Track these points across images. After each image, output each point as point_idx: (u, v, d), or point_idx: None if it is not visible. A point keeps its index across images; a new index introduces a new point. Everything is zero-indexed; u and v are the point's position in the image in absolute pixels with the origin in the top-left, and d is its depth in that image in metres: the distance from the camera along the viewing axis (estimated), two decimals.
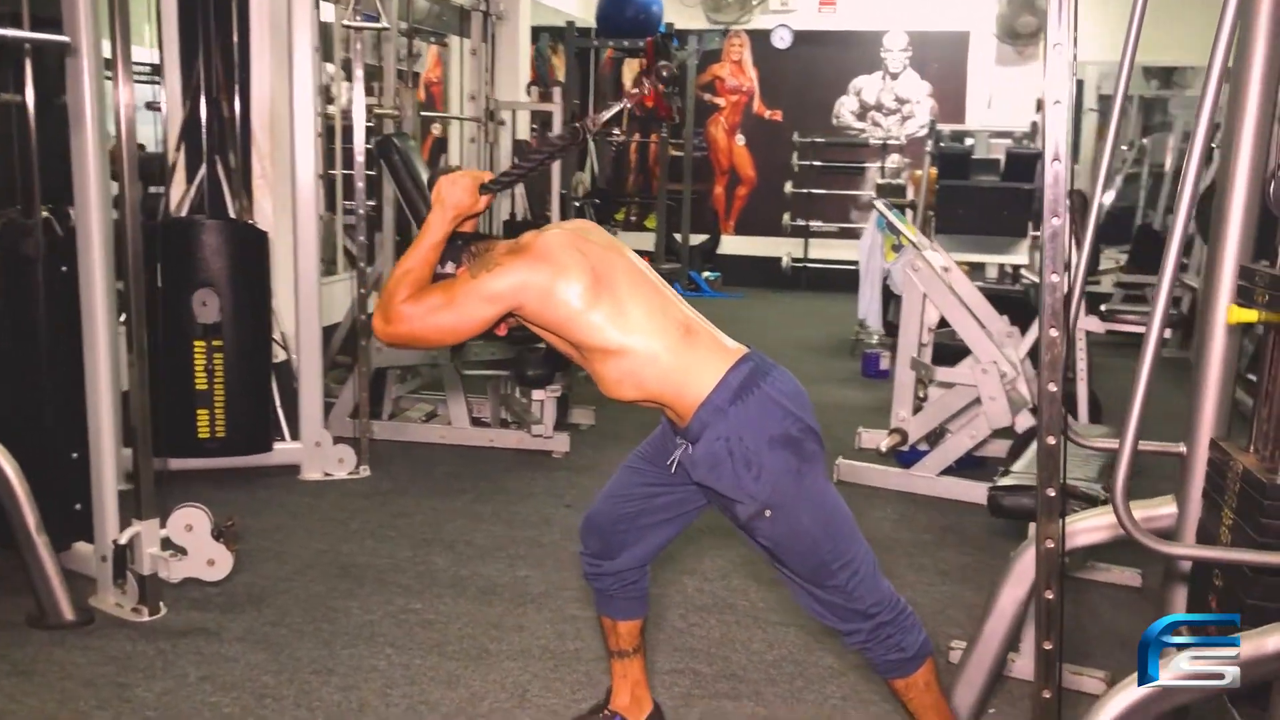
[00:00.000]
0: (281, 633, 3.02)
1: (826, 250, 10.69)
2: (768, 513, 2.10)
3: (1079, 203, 4.50)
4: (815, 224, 10.71)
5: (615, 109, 2.28)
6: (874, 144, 10.43)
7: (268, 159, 4.47)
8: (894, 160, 10.40)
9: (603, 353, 2.11)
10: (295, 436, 4.36)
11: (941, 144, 7.25)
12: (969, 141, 7.61)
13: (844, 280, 10.42)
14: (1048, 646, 2.14)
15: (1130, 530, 1.84)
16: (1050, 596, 2.05)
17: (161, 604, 3.08)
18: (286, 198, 4.41)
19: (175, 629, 3.01)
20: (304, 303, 4.33)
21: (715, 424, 2.08)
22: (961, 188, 6.70)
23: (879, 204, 4.74)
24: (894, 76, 10.36)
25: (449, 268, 2.23)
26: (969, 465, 4.41)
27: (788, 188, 10.69)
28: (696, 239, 10.56)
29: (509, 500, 4.20)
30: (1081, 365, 4.44)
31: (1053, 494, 2.04)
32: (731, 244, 11.01)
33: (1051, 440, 2.02)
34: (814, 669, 2.90)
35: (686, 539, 3.09)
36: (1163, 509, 2.37)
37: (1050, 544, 2.06)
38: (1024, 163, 6.60)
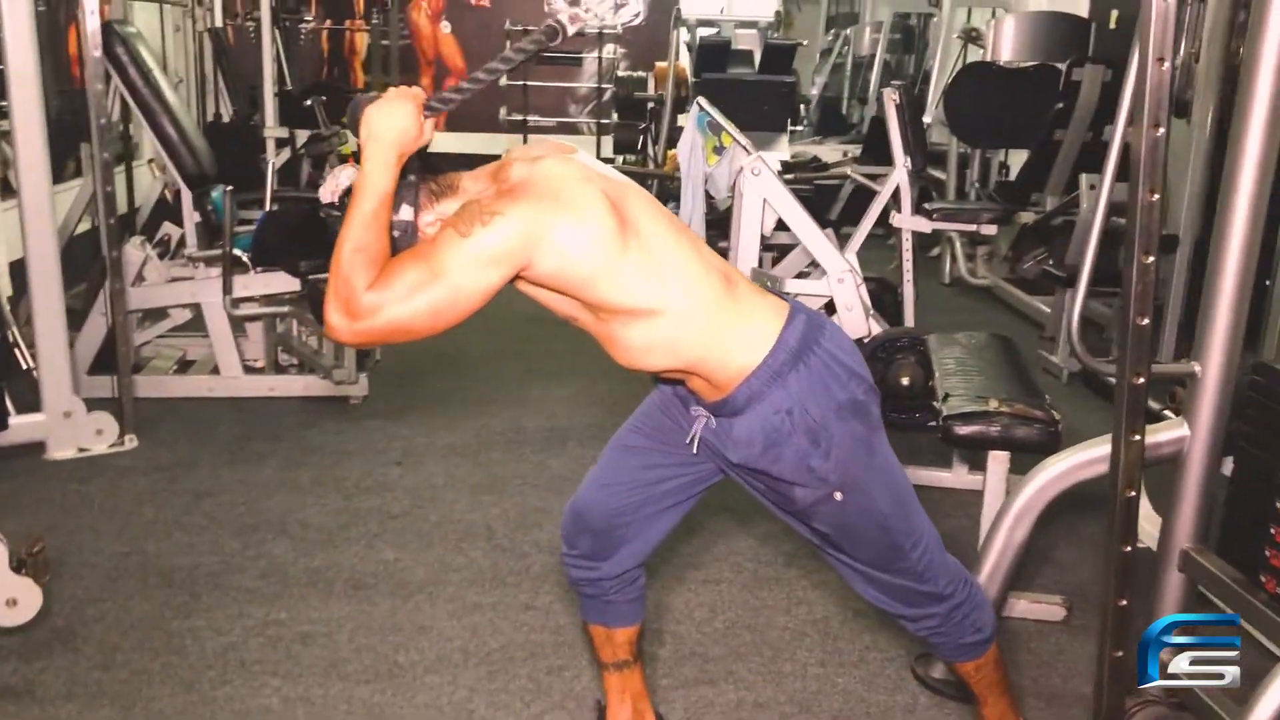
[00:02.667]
0: (120, 678, 2.35)
1: None
2: (838, 495, 1.75)
3: (906, 101, 4.36)
4: (533, 119, 10.20)
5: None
6: (589, 33, 9.99)
7: None
8: (610, 50, 10.04)
9: (630, 314, 1.66)
10: (34, 407, 3.48)
11: (696, 35, 6.95)
12: (711, 31, 7.35)
13: None
14: (1122, 603, 1.97)
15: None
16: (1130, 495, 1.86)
17: None
18: None
19: None
20: (32, 227, 3.42)
21: (771, 394, 1.69)
22: (721, 81, 6.46)
23: (702, 102, 4.37)
24: None
25: (404, 213, 1.68)
26: None
27: (502, 80, 10.06)
28: None
29: (326, 463, 3.58)
30: (907, 265, 4.37)
31: (1140, 381, 1.85)
32: (444, 141, 10.14)
33: (1144, 320, 1.84)
34: (772, 632, 2.62)
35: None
36: (1170, 433, 2.22)
37: (1136, 439, 1.88)
38: (781, 55, 6.44)
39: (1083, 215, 4.99)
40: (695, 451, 1.86)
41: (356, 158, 1.67)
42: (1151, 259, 1.84)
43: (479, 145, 10.16)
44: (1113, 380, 1.98)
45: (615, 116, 9.64)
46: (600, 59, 10.02)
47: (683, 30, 7.15)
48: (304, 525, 3.12)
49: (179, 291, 4.18)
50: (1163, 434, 2.19)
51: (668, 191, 7.35)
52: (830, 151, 8.66)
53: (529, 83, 10.09)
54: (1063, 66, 6.39)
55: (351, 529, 3.11)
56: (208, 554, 2.93)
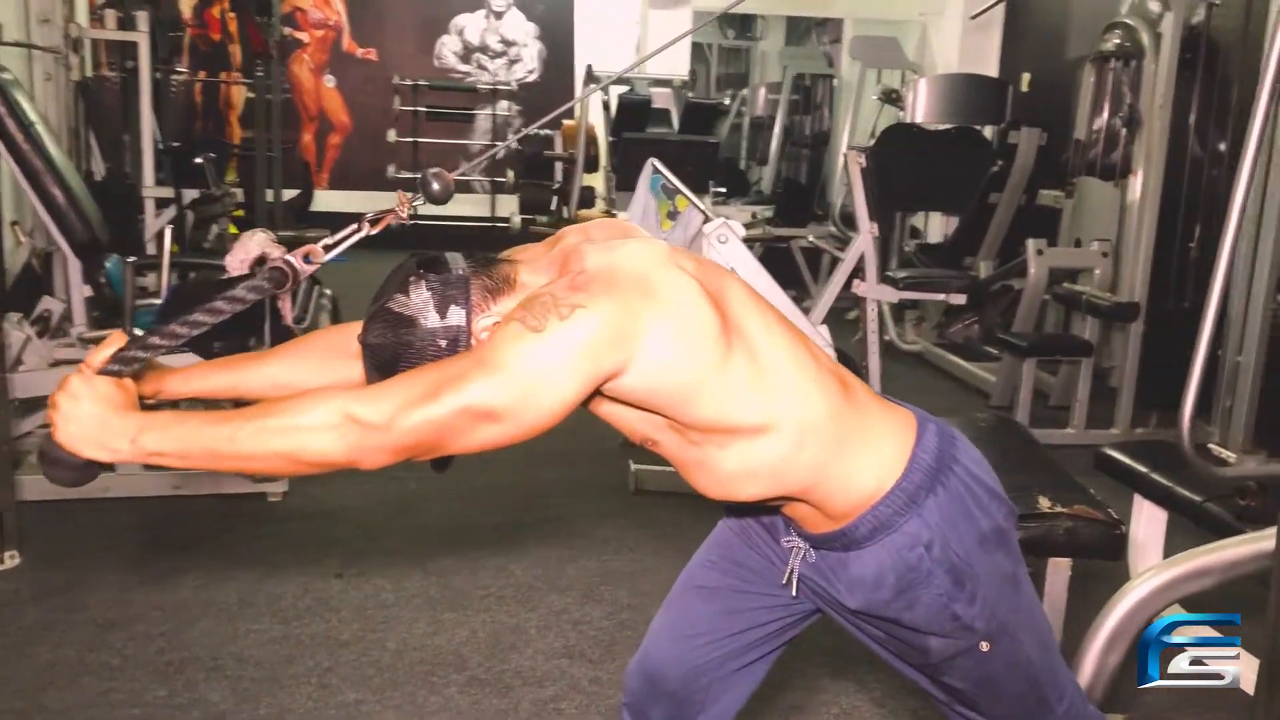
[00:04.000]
0: None
1: (438, 206, 9.78)
2: (984, 645, 1.43)
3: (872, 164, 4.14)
4: None
5: (352, 233, 1.41)
6: (483, 89, 9.66)
7: None
8: (504, 107, 9.72)
9: (731, 433, 1.31)
10: None
11: (618, 93, 6.68)
12: (622, 90, 7.10)
13: (461, 238, 9.67)
14: None
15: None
16: None
17: None
18: None
19: None
20: None
21: (904, 523, 1.37)
22: (643, 140, 6.20)
23: (656, 164, 4.07)
24: (498, 16, 9.64)
25: (453, 316, 1.30)
26: None
27: (391, 135, 9.63)
28: (287, 194, 9.20)
29: (253, 577, 3.09)
30: (873, 336, 4.13)
31: None
32: (327, 199, 9.74)
33: None
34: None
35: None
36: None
37: None
38: (703, 114, 6.23)
39: (1034, 280, 4.87)
40: (795, 594, 1.52)
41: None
42: None
43: (363, 204, 9.69)
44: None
45: (510, 175, 9.34)
46: (494, 116, 9.69)
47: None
48: (240, 660, 2.63)
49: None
50: (1269, 542, 1.95)
51: None
52: (738, 213, 8.46)
53: (419, 139, 9.66)
54: (988, 130, 6.37)
55: (297, 663, 2.64)
56: (126, 705, 2.43)
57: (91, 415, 1.19)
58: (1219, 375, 4.35)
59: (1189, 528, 2.64)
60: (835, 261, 5.10)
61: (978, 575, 1.39)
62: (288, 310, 3.44)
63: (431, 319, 1.30)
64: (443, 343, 1.30)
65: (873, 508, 1.37)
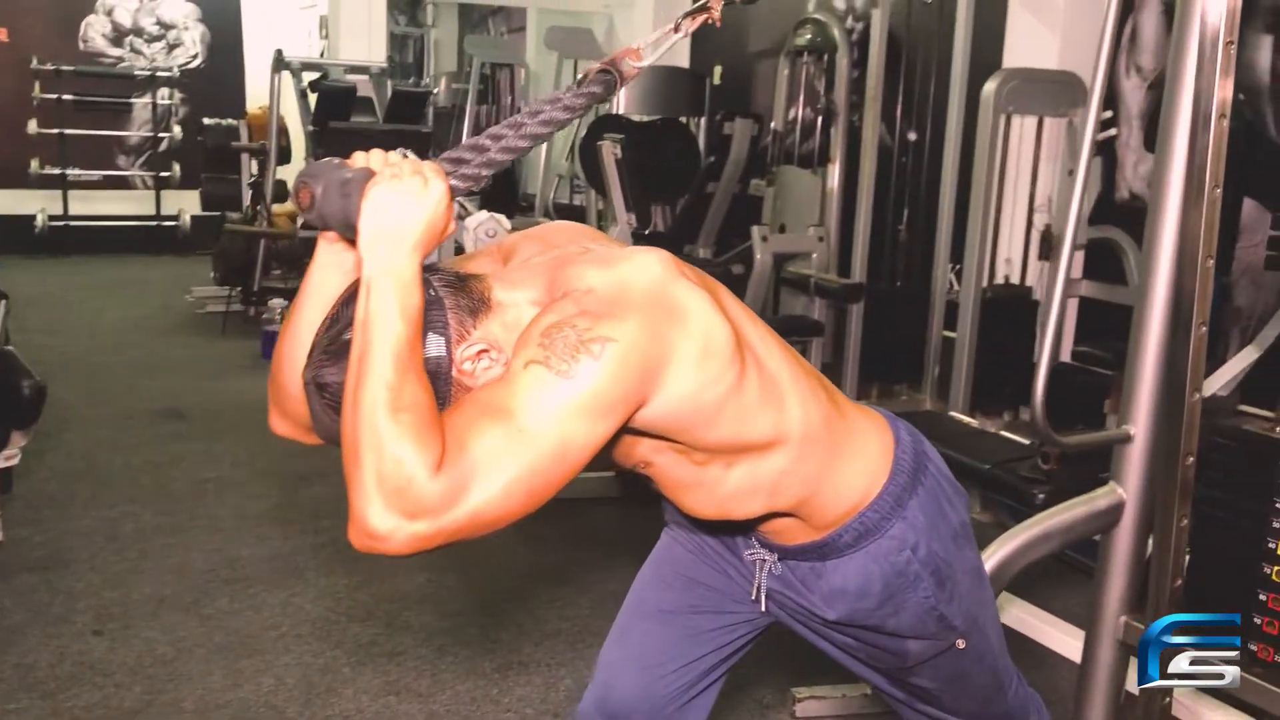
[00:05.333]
0: None
1: (93, 204, 8.84)
2: (961, 643, 1.45)
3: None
4: (74, 172, 8.74)
5: (666, 36, 1.36)
6: (140, 75, 8.80)
7: None
8: (165, 95, 8.91)
9: (739, 452, 1.25)
10: None
11: (319, 80, 6.26)
12: (312, 76, 6.68)
13: (122, 240, 8.82)
14: None
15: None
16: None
17: None
18: None
19: None
20: None
21: (890, 527, 1.36)
22: (349, 130, 5.86)
23: (408, 154, 3.83)
24: None
25: (431, 346, 1.14)
26: None
27: (32, 127, 8.55)
28: None
29: None
30: None
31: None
32: None
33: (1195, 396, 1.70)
34: None
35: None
36: (1108, 500, 2.15)
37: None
38: (411, 102, 5.98)
39: (761, 266, 5.06)
40: (764, 609, 1.46)
41: None
42: (1205, 329, 1.73)
43: (6, 205, 8.62)
44: None
45: (177, 169, 8.62)
46: (155, 105, 8.86)
47: (285, 75, 6.43)
48: None
49: None
50: (1102, 501, 2.11)
51: (281, 253, 6.61)
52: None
53: (66, 131, 8.65)
54: (692, 120, 6.55)
55: None
56: None
57: (418, 219, 1.07)
58: (927, 349, 4.75)
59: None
60: None
61: (955, 573, 1.40)
62: None
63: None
64: None
65: (860, 514, 1.34)
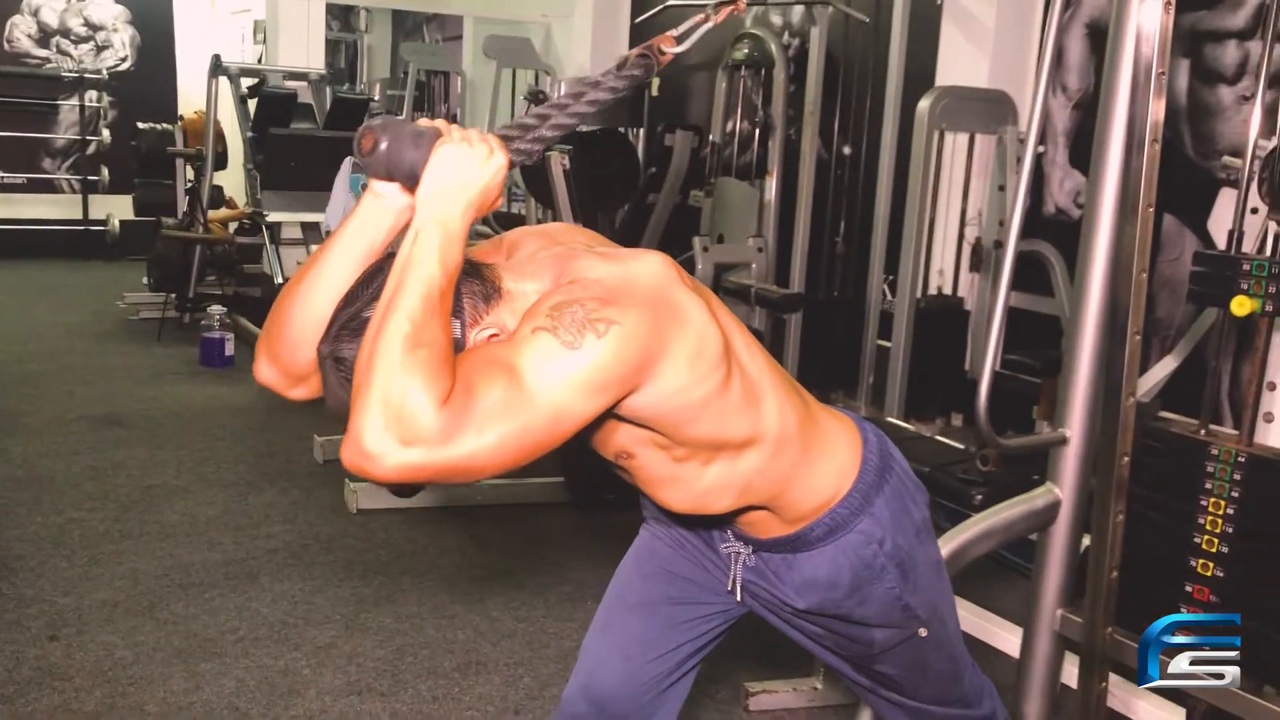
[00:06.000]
0: None
1: (17, 208, 8.66)
2: (923, 631, 1.55)
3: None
4: None
5: (698, 25, 1.43)
6: (68, 77, 8.65)
7: None
8: (94, 98, 8.77)
9: (718, 449, 1.34)
10: None
11: (258, 85, 6.22)
12: (251, 81, 6.64)
13: (47, 245, 8.65)
14: None
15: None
16: None
17: None
18: None
19: None
20: None
21: (858, 522, 1.45)
22: (291, 137, 5.84)
23: (360, 161, 3.85)
24: None
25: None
26: None
27: None
28: None
29: None
30: None
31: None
32: None
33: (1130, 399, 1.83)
34: None
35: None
36: (1045, 499, 2.27)
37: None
38: (352, 110, 5.98)
39: (701, 276, 5.17)
40: (740, 599, 1.55)
41: None
42: (1139, 338, 1.85)
43: None
44: None
45: (105, 173, 8.50)
46: (83, 107, 8.71)
47: (223, 80, 6.38)
48: None
49: None
50: (1039, 501, 2.24)
51: (218, 260, 6.56)
52: None
53: None
54: (631, 131, 6.65)
55: None
56: None
57: (478, 182, 1.16)
58: (862, 357, 4.89)
59: None
60: None
61: (918, 565, 1.50)
62: None
63: None
64: None
65: (830, 510, 1.43)
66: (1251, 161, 2.13)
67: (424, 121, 1.21)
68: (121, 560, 3.21)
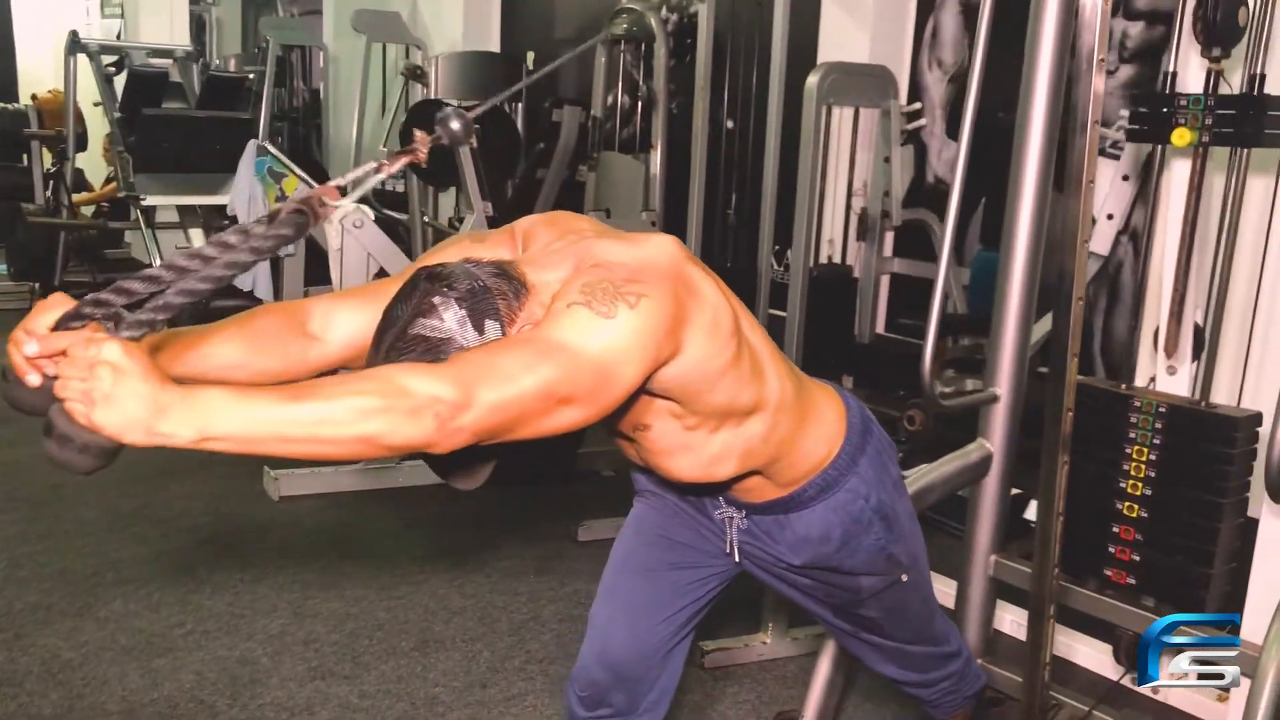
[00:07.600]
0: None
1: None
2: (904, 577, 1.71)
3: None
4: None
5: (369, 175, 1.34)
6: None
7: None
8: None
9: (726, 418, 1.44)
10: None
11: (118, 63, 5.97)
12: (109, 60, 6.37)
13: None
14: None
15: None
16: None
17: None
18: None
19: None
20: None
21: (847, 481, 1.59)
22: (165, 118, 5.64)
23: (267, 145, 3.79)
24: None
25: (490, 331, 1.27)
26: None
27: None
28: None
29: None
30: None
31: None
32: None
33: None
34: None
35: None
36: (979, 454, 2.46)
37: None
38: (227, 89, 5.82)
39: None
40: (737, 560, 1.67)
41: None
42: (1082, 303, 2.02)
43: None
44: None
45: None
46: None
47: (81, 58, 6.11)
48: None
49: None
50: (974, 455, 2.42)
51: (84, 245, 6.31)
52: None
53: None
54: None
55: None
56: None
57: (140, 395, 0.98)
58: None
59: None
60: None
61: (899, 516, 1.65)
62: None
63: (470, 337, 1.25)
64: None
65: (822, 471, 1.56)
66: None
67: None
68: (46, 560, 3.12)
